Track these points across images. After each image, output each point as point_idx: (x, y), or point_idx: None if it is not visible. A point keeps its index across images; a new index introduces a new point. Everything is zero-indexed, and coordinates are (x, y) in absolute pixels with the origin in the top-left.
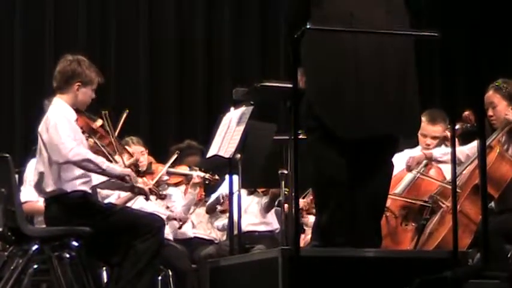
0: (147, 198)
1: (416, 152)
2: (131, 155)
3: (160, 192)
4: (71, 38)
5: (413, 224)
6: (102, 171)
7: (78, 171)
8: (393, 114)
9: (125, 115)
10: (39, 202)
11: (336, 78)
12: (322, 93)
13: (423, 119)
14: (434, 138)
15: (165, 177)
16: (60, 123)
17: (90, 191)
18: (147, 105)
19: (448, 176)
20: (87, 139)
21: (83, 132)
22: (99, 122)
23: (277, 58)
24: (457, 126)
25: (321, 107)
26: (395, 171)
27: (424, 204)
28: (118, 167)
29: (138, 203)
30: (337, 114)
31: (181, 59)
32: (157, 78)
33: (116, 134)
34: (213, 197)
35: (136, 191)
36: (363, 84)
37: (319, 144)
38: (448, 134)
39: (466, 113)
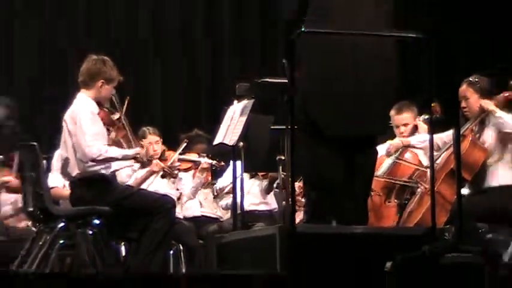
0: (163, 176)
1: (395, 140)
2: (141, 142)
3: (173, 173)
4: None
5: (395, 201)
6: (119, 160)
7: None
8: (371, 116)
9: (127, 101)
10: (65, 188)
11: (327, 82)
12: (313, 95)
13: (391, 112)
14: (405, 125)
15: (177, 164)
16: (84, 120)
17: (109, 175)
18: (160, 98)
19: (424, 161)
20: (107, 129)
21: (104, 124)
22: (117, 115)
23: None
24: (426, 117)
25: (312, 107)
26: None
27: (406, 184)
28: (129, 151)
29: (153, 186)
30: (326, 115)
31: (189, 57)
32: (167, 76)
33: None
34: (219, 182)
35: (147, 164)
36: (348, 90)
37: (310, 139)
38: (417, 122)
39: (433, 104)
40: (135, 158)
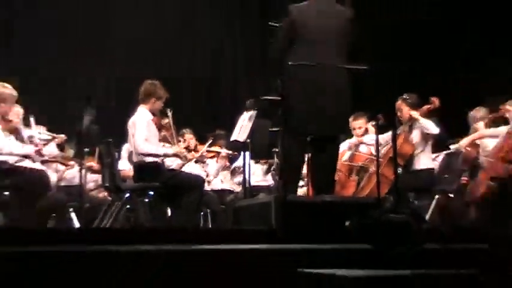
0: (196, 162)
1: (353, 139)
2: (184, 141)
3: (203, 160)
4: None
5: (355, 177)
6: (160, 156)
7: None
8: (331, 119)
9: (171, 114)
10: (130, 171)
11: (298, 98)
12: (293, 108)
13: (350, 119)
14: (359, 128)
15: (205, 153)
16: (139, 127)
17: (159, 162)
18: (189, 107)
19: (373, 151)
20: (159, 131)
21: (156, 127)
22: (166, 120)
23: None
24: (374, 123)
25: (292, 116)
26: (341, 151)
27: (361, 167)
28: (171, 150)
29: (189, 168)
30: (299, 119)
31: (214, 74)
32: (199, 93)
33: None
34: (234, 165)
35: (185, 160)
36: (317, 101)
37: (287, 136)
38: (368, 126)
39: (379, 115)
40: (175, 155)
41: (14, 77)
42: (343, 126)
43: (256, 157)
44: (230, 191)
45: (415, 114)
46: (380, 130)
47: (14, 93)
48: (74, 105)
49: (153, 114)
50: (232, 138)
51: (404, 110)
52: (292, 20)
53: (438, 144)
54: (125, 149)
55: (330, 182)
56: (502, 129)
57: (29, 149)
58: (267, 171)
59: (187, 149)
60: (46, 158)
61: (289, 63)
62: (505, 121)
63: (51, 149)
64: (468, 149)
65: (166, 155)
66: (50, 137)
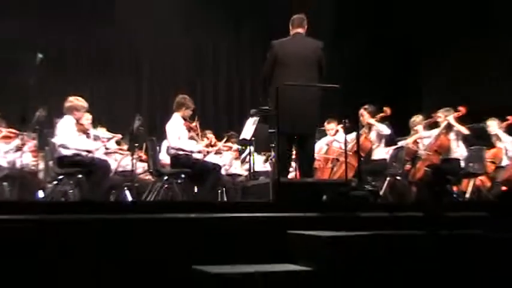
0: (215, 153)
1: (328, 137)
2: (207, 139)
3: (220, 152)
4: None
5: (330, 165)
6: (187, 151)
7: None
8: (307, 122)
9: (197, 117)
10: (167, 161)
11: (284, 109)
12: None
13: (325, 123)
14: (332, 129)
15: (222, 147)
16: (174, 129)
17: (189, 154)
18: (211, 115)
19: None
20: (188, 131)
21: (186, 128)
22: (193, 124)
23: None
24: (342, 125)
25: (280, 120)
26: (319, 147)
27: (334, 158)
28: (196, 146)
29: (209, 158)
30: (285, 123)
31: (230, 88)
32: (219, 99)
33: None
34: (242, 156)
35: (206, 154)
36: (296, 109)
37: (279, 136)
38: (338, 128)
39: (345, 120)
40: (199, 152)
41: (85, 94)
42: (314, 127)
43: (258, 150)
44: (239, 175)
45: (372, 120)
46: (347, 131)
47: (85, 104)
48: (127, 114)
49: (184, 119)
50: (241, 137)
51: (365, 116)
52: (275, 52)
53: (389, 141)
54: (164, 144)
55: (311, 168)
56: (435, 131)
57: (98, 145)
58: (266, 161)
59: (209, 145)
60: (109, 150)
61: (283, 83)
62: (436, 125)
63: (111, 145)
64: (410, 145)
65: (192, 151)
66: (110, 136)
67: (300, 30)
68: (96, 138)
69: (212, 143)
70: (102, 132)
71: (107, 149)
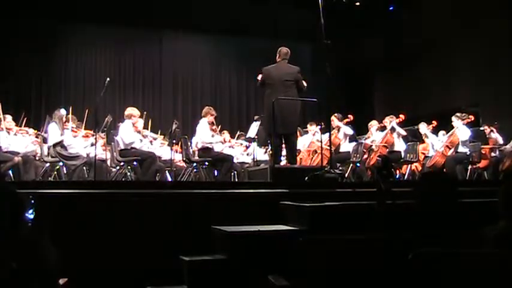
0: (230, 148)
1: (310, 136)
2: (224, 136)
3: (233, 146)
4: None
5: (311, 156)
6: (212, 144)
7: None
8: (291, 125)
9: (215, 124)
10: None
11: (277, 115)
12: (269, 118)
13: (308, 125)
14: (312, 130)
15: (235, 143)
16: (200, 130)
17: (211, 147)
18: (228, 119)
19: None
20: (212, 131)
21: (211, 130)
22: (215, 127)
23: None
24: (319, 127)
25: (270, 122)
26: (303, 143)
27: (314, 151)
28: (215, 139)
29: (225, 151)
30: (277, 125)
31: (240, 102)
32: (233, 110)
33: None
34: (249, 149)
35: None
36: (281, 115)
37: (273, 134)
38: (317, 129)
39: (321, 123)
40: (221, 142)
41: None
42: (296, 128)
43: (260, 145)
44: (246, 163)
45: (341, 124)
46: (323, 131)
47: (139, 112)
48: (168, 120)
49: (209, 123)
50: (247, 136)
51: (335, 121)
52: (264, 76)
53: (352, 139)
54: (194, 140)
55: (294, 157)
56: (384, 132)
57: (147, 142)
58: (265, 152)
59: (225, 141)
60: (159, 145)
61: (273, 100)
62: (385, 127)
63: (157, 142)
64: (367, 142)
65: (212, 143)
66: (156, 136)
67: (284, 58)
68: (146, 136)
69: (227, 140)
70: (151, 133)
71: (153, 144)
